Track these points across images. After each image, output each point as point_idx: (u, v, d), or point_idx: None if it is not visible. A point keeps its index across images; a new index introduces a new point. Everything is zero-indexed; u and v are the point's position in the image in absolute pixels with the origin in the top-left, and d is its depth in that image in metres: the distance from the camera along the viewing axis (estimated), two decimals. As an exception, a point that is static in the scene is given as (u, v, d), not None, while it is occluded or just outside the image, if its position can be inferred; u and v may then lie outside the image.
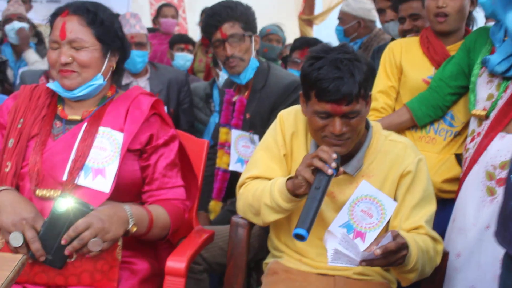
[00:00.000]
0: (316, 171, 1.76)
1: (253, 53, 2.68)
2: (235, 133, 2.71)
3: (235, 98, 2.77)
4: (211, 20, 2.62)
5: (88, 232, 1.64)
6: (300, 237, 1.68)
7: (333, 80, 1.75)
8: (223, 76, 3.70)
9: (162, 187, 1.95)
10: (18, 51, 4.66)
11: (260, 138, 2.59)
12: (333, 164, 1.74)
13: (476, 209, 2.21)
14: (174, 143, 2.00)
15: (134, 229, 1.75)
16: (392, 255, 1.70)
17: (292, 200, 1.87)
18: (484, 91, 2.29)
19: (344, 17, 4.17)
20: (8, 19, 4.56)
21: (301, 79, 1.89)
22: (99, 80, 1.90)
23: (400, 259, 1.73)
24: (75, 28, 1.85)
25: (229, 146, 2.76)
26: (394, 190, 1.94)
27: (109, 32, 1.90)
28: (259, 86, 2.67)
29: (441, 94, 2.49)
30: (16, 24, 4.50)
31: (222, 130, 2.81)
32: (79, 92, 1.88)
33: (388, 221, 1.94)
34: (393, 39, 3.37)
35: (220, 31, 2.59)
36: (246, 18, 2.63)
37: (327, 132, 1.83)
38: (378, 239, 1.74)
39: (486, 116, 2.25)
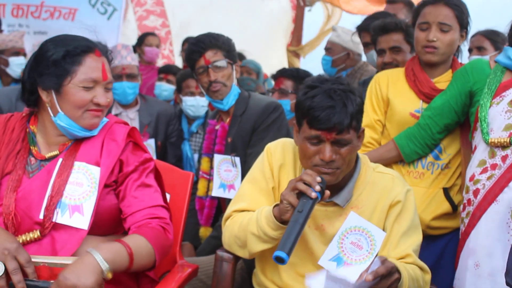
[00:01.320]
0: (301, 194, 1.76)
1: (235, 80, 2.79)
2: (217, 158, 2.77)
3: (217, 127, 2.85)
4: (195, 47, 2.73)
5: None
6: (280, 260, 1.65)
7: (325, 109, 1.79)
8: (186, 101, 3.86)
9: (135, 210, 1.86)
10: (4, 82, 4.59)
11: (241, 159, 2.68)
12: (317, 187, 1.74)
13: (503, 253, 2.13)
14: (145, 166, 1.93)
15: (110, 275, 1.67)
16: (385, 281, 1.69)
17: (279, 227, 1.84)
18: (501, 120, 2.23)
19: (333, 48, 4.20)
20: (16, 52, 4.50)
21: (295, 107, 1.92)
22: (104, 118, 1.93)
23: (394, 283, 1.71)
24: (109, 69, 1.87)
25: (211, 174, 2.82)
26: (383, 221, 1.94)
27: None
28: (240, 112, 2.77)
29: (429, 133, 2.47)
30: (23, 61, 4.43)
31: (204, 159, 2.89)
32: (96, 131, 1.89)
33: (378, 252, 1.92)
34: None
35: (204, 58, 2.71)
36: (228, 47, 2.76)
37: (317, 160, 1.84)
38: (367, 268, 1.72)
39: (510, 143, 2.19)
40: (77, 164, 1.84)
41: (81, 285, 1.57)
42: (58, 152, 1.87)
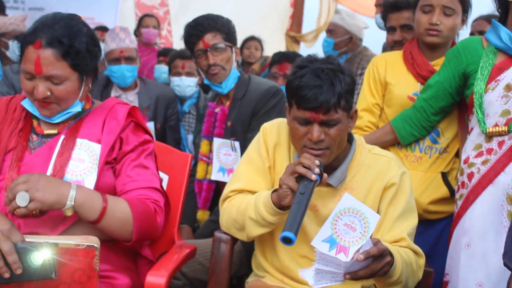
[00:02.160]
0: (300, 178, 1.76)
1: (234, 64, 2.77)
2: (217, 142, 2.76)
3: (217, 110, 2.83)
4: (193, 30, 2.70)
5: (21, 183, 1.64)
6: (287, 241, 1.64)
7: (312, 88, 1.79)
8: (172, 81, 3.89)
9: (129, 189, 1.88)
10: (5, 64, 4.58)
11: (241, 144, 2.66)
12: (317, 170, 1.75)
13: (496, 235, 2.14)
14: (144, 147, 1.94)
15: (69, 213, 1.71)
16: (376, 263, 1.68)
17: (277, 212, 1.85)
18: (498, 106, 2.20)
19: (336, 30, 4.16)
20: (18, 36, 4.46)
21: (285, 88, 1.91)
22: (77, 107, 1.88)
23: (385, 266, 1.70)
24: (51, 62, 1.76)
25: (210, 157, 2.81)
26: (377, 203, 1.93)
27: (85, 59, 1.83)
28: (240, 95, 2.75)
29: (424, 115, 2.45)
30: None
31: (203, 142, 2.88)
32: (57, 119, 1.87)
33: (371, 235, 1.92)
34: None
35: (202, 41, 2.68)
36: (227, 29, 2.73)
37: (306, 140, 1.84)
38: (359, 249, 1.71)
39: (509, 131, 2.17)
40: (79, 141, 1.85)
41: (40, 194, 1.64)
42: (57, 131, 1.89)
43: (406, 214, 1.92)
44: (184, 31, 2.77)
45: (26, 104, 1.89)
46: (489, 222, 2.17)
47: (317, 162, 1.77)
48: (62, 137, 1.86)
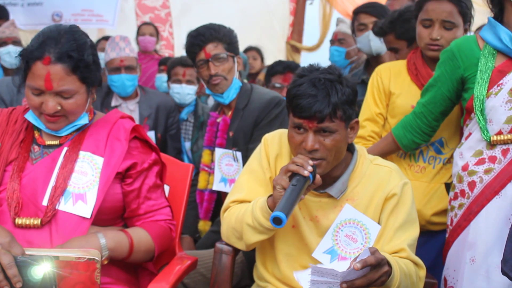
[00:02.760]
0: (293, 176, 1.76)
1: (236, 74, 2.75)
2: (218, 152, 2.74)
3: (219, 120, 2.81)
4: (195, 40, 2.69)
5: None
6: (278, 222, 1.65)
7: (307, 97, 1.80)
8: (172, 88, 3.86)
9: (148, 211, 1.94)
10: (9, 74, 4.58)
11: (243, 154, 2.64)
12: (309, 168, 1.75)
13: (501, 250, 1.95)
14: (157, 165, 1.98)
15: (106, 262, 1.75)
16: (373, 272, 1.66)
17: None
18: (502, 112, 2.10)
19: (346, 39, 4.11)
20: (2, 42, 4.48)
21: (286, 97, 1.94)
22: (83, 119, 1.88)
23: (382, 276, 1.68)
24: (61, 78, 1.76)
25: (212, 167, 2.79)
26: (378, 214, 1.92)
27: (92, 71, 1.83)
28: (242, 105, 2.73)
29: (425, 121, 2.37)
30: (11, 48, 4.41)
31: (205, 152, 2.87)
32: (63, 133, 1.87)
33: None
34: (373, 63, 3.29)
35: (204, 51, 2.67)
36: (229, 39, 2.72)
37: (302, 149, 1.84)
38: (355, 258, 1.69)
39: None
40: (82, 153, 1.85)
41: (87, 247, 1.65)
42: (58, 142, 1.88)
43: (407, 225, 1.91)
44: (186, 40, 2.77)
45: (31, 117, 1.87)
46: (495, 236, 2.08)
47: (310, 162, 1.78)
48: (65, 149, 1.85)
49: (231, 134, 2.73)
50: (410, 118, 2.41)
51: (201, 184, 2.87)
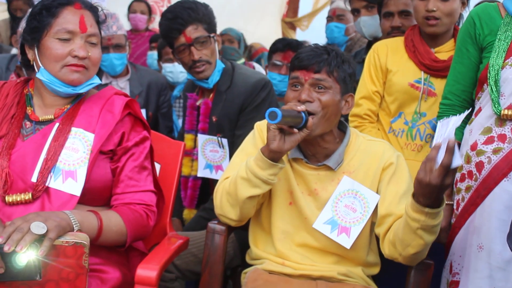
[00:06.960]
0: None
1: (217, 54, 2.59)
2: (201, 138, 2.61)
3: (199, 102, 2.67)
4: (173, 24, 2.49)
5: (24, 221, 1.54)
6: (273, 116, 1.69)
7: (308, 52, 1.93)
8: (165, 67, 3.84)
9: (126, 191, 1.87)
10: None
11: (229, 141, 2.53)
12: (301, 107, 1.82)
13: (504, 234, 1.92)
14: (144, 144, 1.92)
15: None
16: (452, 172, 1.59)
17: (269, 165, 1.85)
18: None
19: (346, 15, 4.01)
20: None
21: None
22: (97, 79, 1.87)
23: (450, 185, 1.62)
24: (92, 23, 1.83)
25: (196, 152, 2.66)
26: (376, 184, 1.96)
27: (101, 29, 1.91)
28: (225, 88, 2.58)
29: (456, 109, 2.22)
30: None
31: (187, 137, 2.70)
32: (80, 89, 1.84)
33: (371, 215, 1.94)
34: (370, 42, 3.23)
35: (184, 35, 2.49)
36: (208, 18, 2.54)
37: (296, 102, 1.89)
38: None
39: None
40: (74, 130, 1.81)
41: (49, 224, 1.54)
42: (53, 117, 1.84)
43: (409, 194, 1.83)
44: (161, 24, 2.55)
45: (43, 76, 1.81)
46: (500, 220, 1.97)
47: (302, 106, 1.83)
48: (57, 124, 1.82)
49: (214, 119, 2.58)
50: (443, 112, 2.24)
51: (184, 170, 2.70)
